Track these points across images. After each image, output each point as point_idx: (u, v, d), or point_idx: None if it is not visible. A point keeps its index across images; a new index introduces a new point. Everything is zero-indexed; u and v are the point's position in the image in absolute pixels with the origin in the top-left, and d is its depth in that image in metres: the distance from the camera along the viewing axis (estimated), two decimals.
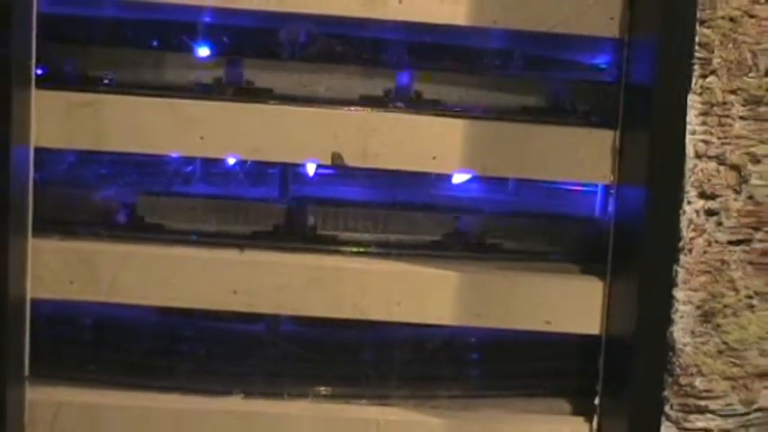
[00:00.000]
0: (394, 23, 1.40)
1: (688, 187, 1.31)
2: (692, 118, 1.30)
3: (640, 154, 1.34)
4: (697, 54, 1.30)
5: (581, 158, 1.42)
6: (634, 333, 1.33)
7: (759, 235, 1.33)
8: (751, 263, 1.33)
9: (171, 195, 1.48)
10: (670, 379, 1.33)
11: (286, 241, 1.46)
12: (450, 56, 1.48)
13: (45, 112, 1.36)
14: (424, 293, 1.41)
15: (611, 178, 1.41)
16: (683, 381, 1.33)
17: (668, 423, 1.34)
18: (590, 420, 1.44)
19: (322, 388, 1.46)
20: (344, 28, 1.44)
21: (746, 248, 1.33)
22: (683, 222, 1.31)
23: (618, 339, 1.39)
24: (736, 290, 1.33)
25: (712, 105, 1.31)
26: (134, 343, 1.46)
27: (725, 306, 1.33)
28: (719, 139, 1.31)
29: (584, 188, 1.51)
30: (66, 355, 1.44)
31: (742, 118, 1.31)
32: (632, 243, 1.37)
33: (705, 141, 1.31)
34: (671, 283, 1.32)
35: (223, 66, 1.45)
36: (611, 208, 1.44)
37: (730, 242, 1.33)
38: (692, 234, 1.31)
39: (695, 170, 1.31)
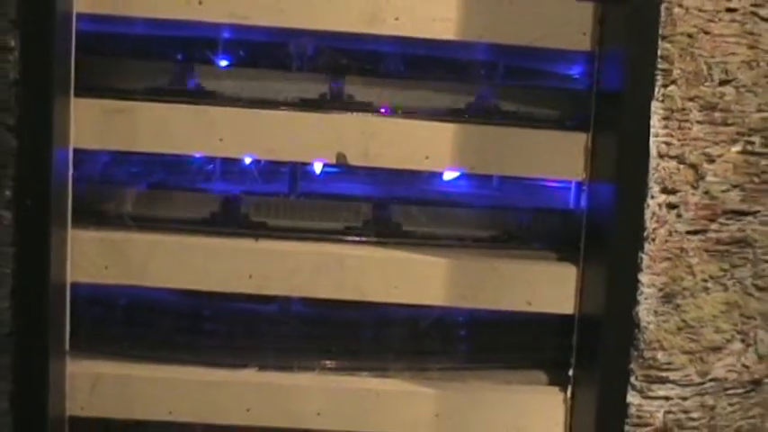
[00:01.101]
0: (391, 38, 1.40)
1: (651, 183, 1.33)
2: (656, 122, 1.32)
3: (610, 154, 1.36)
4: (659, 66, 1.31)
5: (557, 158, 1.43)
6: (604, 312, 1.36)
7: (714, 226, 1.35)
8: (707, 250, 1.35)
9: (194, 191, 1.49)
10: (635, 353, 1.35)
11: (295, 231, 1.47)
12: (442, 67, 1.49)
13: (82, 118, 1.38)
14: (418, 277, 1.43)
15: (584, 175, 1.43)
16: (647, 354, 1.35)
17: (634, 392, 1.35)
18: (564, 390, 1.46)
19: (328, 361, 1.48)
20: (347, 42, 1.44)
21: (703, 238, 1.35)
22: (647, 214, 1.33)
23: (590, 318, 1.41)
24: (693, 274, 1.35)
25: (673, 111, 1.32)
26: (162, 321, 1.47)
27: (684, 288, 1.35)
28: (679, 141, 1.33)
29: (560, 184, 1.52)
30: (102, 332, 1.46)
31: (699, 122, 1.33)
32: (602, 233, 1.39)
33: (667, 143, 1.33)
34: (636, 268, 1.34)
35: (242, 76, 1.46)
36: (583, 202, 1.45)
37: (689, 232, 1.35)
38: (655, 225, 1.34)
39: (658, 168, 1.33)
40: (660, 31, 1.32)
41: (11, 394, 1.31)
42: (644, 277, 1.35)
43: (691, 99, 1.34)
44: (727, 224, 1.36)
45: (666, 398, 1.37)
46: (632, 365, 1.36)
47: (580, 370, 1.45)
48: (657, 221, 1.35)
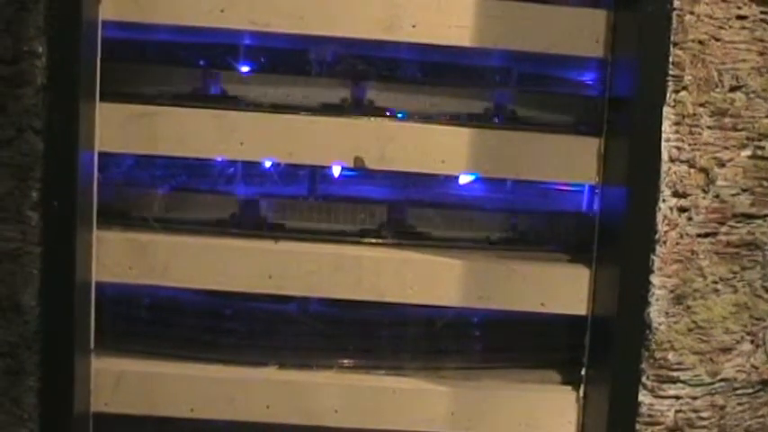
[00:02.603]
0: (408, 45, 1.40)
1: (663, 187, 1.33)
2: (667, 127, 1.32)
3: (622, 158, 1.36)
4: (671, 72, 1.32)
5: (570, 162, 1.43)
6: (616, 313, 1.35)
7: (724, 229, 1.35)
8: (717, 253, 1.35)
9: (214, 193, 1.49)
10: (647, 353, 1.35)
11: (314, 233, 1.47)
12: (458, 73, 1.49)
13: (107, 122, 1.38)
14: (434, 278, 1.42)
15: (597, 179, 1.43)
16: (657, 355, 1.35)
17: (645, 391, 1.35)
18: (577, 389, 1.45)
19: (345, 360, 1.48)
20: (365, 49, 1.44)
21: (713, 240, 1.35)
22: (659, 218, 1.33)
23: (602, 319, 1.41)
24: (703, 276, 1.35)
25: (684, 116, 1.33)
26: (184, 320, 1.48)
27: (694, 290, 1.35)
28: (690, 145, 1.33)
29: (573, 188, 1.53)
30: (126, 331, 1.46)
31: (709, 128, 1.33)
32: (615, 235, 1.39)
33: (678, 147, 1.33)
34: (648, 270, 1.34)
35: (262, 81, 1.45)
36: (596, 205, 1.45)
37: (699, 235, 1.35)
38: (666, 228, 1.34)
39: (669, 172, 1.33)
40: (672, 38, 1.32)
41: (38, 390, 1.32)
42: (655, 279, 1.35)
43: (701, 105, 1.34)
44: (737, 227, 1.36)
45: (677, 397, 1.37)
46: (643, 365, 1.36)
47: (592, 370, 1.45)
48: (669, 224, 1.35)
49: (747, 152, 1.35)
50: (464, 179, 1.51)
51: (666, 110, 1.33)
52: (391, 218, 1.50)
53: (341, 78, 1.47)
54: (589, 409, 1.45)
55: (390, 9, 1.39)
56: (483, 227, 1.52)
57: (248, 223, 1.48)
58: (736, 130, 1.34)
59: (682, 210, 1.35)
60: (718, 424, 1.38)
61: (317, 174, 1.50)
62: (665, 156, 1.34)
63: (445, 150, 1.43)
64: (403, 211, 1.50)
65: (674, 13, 1.31)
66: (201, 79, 1.46)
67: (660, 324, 1.35)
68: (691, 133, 1.34)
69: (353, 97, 1.47)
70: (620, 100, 1.39)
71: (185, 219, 1.48)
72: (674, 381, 1.37)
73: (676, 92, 1.33)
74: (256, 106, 1.44)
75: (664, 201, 1.34)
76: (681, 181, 1.34)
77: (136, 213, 1.47)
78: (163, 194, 1.49)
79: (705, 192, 1.35)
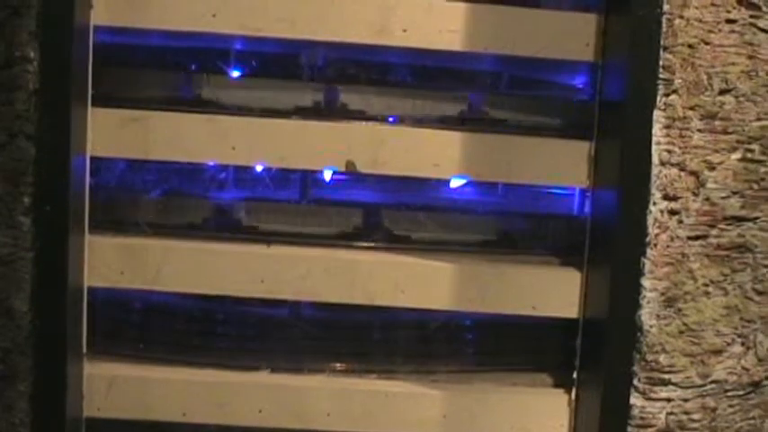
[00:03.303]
0: (399, 49, 1.40)
1: (653, 190, 1.33)
2: (657, 130, 1.32)
3: (613, 161, 1.36)
4: (661, 76, 1.31)
5: (561, 165, 1.43)
6: (607, 316, 1.35)
7: (714, 231, 1.35)
8: (707, 255, 1.35)
9: (207, 198, 1.48)
10: (638, 356, 1.35)
11: (306, 237, 1.47)
12: (448, 77, 1.49)
13: (99, 126, 1.38)
14: (426, 282, 1.42)
15: (588, 182, 1.43)
16: (649, 357, 1.35)
17: (636, 394, 1.35)
18: (569, 392, 1.46)
19: (337, 364, 1.48)
20: (356, 53, 1.44)
21: (703, 243, 1.35)
22: (650, 220, 1.33)
23: (593, 322, 1.41)
24: (694, 279, 1.35)
25: (674, 120, 1.32)
26: (176, 325, 1.47)
27: (685, 293, 1.35)
28: (680, 148, 1.33)
29: (565, 191, 1.52)
30: (119, 335, 1.46)
31: (699, 131, 1.33)
32: (606, 238, 1.39)
33: (668, 151, 1.33)
34: (639, 272, 1.34)
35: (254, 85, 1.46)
36: (587, 208, 1.45)
37: (690, 237, 1.34)
38: (657, 231, 1.34)
39: (660, 175, 1.33)
40: (661, 42, 1.32)
41: (30, 395, 1.32)
42: (646, 282, 1.35)
43: (691, 108, 1.34)
44: (728, 230, 1.36)
45: (668, 399, 1.37)
46: (635, 368, 1.36)
47: (584, 372, 1.45)
48: (659, 227, 1.34)
49: (737, 155, 1.35)
50: (456, 183, 1.50)
51: (657, 113, 1.33)
52: (381, 221, 1.50)
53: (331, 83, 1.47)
54: (581, 411, 1.45)
55: (381, 13, 1.39)
56: (474, 230, 1.52)
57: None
58: (726, 133, 1.35)
59: (672, 212, 1.35)
60: (709, 426, 1.38)
61: (309, 178, 1.50)
62: (655, 159, 1.33)
63: (437, 154, 1.42)
64: (393, 214, 1.51)
65: (664, 17, 1.31)
66: (193, 84, 1.47)
67: (651, 326, 1.35)
68: (681, 136, 1.34)
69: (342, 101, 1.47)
70: (611, 103, 1.39)
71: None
72: (666, 383, 1.36)
73: (666, 95, 1.33)
74: (248, 111, 1.44)
75: (654, 204, 1.34)
76: (671, 184, 1.34)
77: (128, 218, 1.47)
78: (155, 199, 1.49)
79: (695, 195, 1.35)
